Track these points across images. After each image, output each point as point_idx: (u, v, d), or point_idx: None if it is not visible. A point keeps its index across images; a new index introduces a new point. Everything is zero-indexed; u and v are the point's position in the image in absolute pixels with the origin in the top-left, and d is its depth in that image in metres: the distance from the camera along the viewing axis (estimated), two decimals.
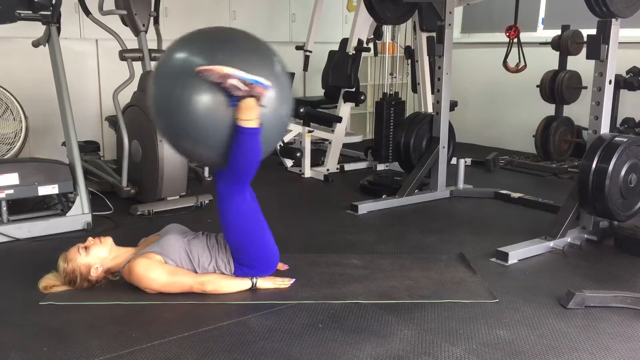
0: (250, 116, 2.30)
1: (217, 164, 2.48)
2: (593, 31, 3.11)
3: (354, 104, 5.28)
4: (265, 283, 2.61)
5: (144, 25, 3.97)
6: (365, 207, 3.96)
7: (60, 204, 3.60)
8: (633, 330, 2.31)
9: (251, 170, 2.44)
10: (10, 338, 2.19)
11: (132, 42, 4.02)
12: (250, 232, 2.56)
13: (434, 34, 4.26)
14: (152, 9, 4.07)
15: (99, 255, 2.58)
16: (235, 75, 2.24)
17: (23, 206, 3.55)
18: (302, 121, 5.15)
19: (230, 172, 2.43)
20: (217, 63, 2.25)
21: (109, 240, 2.64)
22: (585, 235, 3.24)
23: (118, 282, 2.63)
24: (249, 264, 2.60)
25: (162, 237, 2.66)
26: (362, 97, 5.17)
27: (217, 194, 2.51)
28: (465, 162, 4.60)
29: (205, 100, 2.29)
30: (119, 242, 2.69)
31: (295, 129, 5.14)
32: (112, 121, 4.77)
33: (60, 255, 2.60)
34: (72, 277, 2.54)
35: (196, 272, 2.57)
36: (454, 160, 4.67)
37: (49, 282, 2.57)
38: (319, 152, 5.37)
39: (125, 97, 4.02)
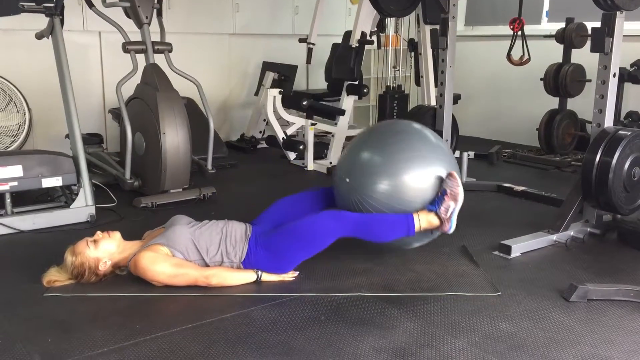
0: (448, 226, 2.66)
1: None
2: (597, 24, 3.09)
3: (357, 97, 5.27)
4: (270, 276, 2.62)
5: (147, 18, 3.97)
6: None
7: (64, 196, 3.61)
8: (635, 323, 2.31)
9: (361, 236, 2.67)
10: (14, 329, 2.20)
11: (135, 35, 4.02)
12: (307, 249, 2.63)
13: (437, 27, 4.25)
14: (155, 1, 4.06)
15: (108, 250, 2.57)
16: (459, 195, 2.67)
17: (27, 198, 3.56)
18: (305, 114, 5.15)
19: (360, 232, 2.64)
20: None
21: (117, 235, 2.63)
22: (588, 229, 3.23)
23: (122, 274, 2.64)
24: (276, 266, 2.62)
25: (167, 229, 2.66)
26: (365, 90, 5.16)
27: (321, 220, 2.60)
28: (469, 155, 4.59)
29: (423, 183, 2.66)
30: (122, 233, 2.69)
31: (298, 121, 5.14)
32: (116, 114, 4.77)
33: (67, 248, 2.59)
34: (80, 270, 2.53)
35: (204, 262, 2.58)
36: (457, 153, 4.66)
37: (52, 277, 2.56)
38: (322, 145, 5.36)
39: (129, 89, 4.02)
